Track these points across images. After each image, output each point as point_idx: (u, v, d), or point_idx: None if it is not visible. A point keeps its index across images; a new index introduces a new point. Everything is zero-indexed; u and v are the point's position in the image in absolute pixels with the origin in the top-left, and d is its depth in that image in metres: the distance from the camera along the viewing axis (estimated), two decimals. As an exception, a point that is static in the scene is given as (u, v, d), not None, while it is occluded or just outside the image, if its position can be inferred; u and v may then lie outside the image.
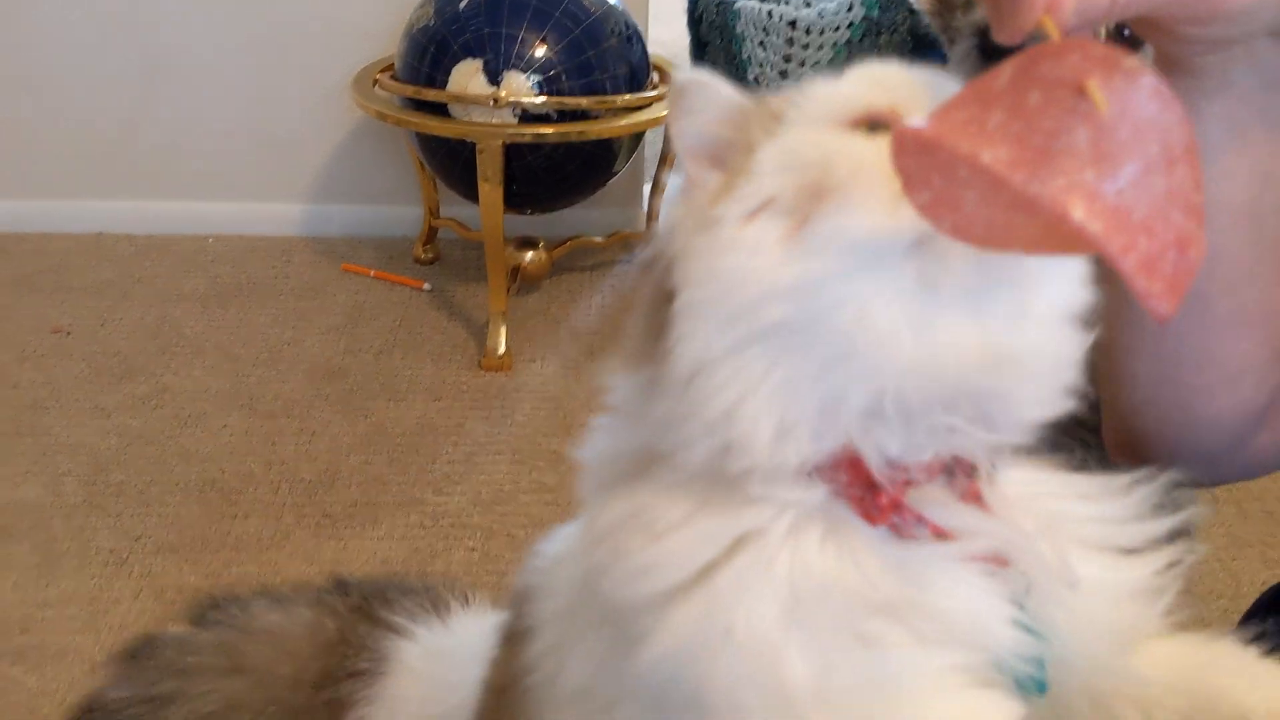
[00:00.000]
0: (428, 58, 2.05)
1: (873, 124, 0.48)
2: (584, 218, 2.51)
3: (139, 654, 0.94)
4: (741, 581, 0.48)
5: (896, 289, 0.45)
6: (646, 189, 2.51)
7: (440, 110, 2.05)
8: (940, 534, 0.49)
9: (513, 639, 0.65)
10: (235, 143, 2.55)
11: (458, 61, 2.01)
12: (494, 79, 1.99)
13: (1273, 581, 1.00)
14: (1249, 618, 1.01)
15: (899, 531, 0.49)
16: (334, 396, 2.03)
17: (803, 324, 0.46)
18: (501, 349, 2.11)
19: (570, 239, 2.40)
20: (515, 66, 2.00)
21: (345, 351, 2.17)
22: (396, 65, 2.15)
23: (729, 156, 0.52)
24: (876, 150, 0.46)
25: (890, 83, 0.51)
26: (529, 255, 2.30)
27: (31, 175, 2.56)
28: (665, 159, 2.36)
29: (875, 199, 0.45)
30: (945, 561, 0.49)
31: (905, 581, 0.48)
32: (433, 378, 2.10)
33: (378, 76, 2.18)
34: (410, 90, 2.07)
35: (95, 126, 2.52)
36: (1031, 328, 0.48)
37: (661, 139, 2.35)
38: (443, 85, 2.03)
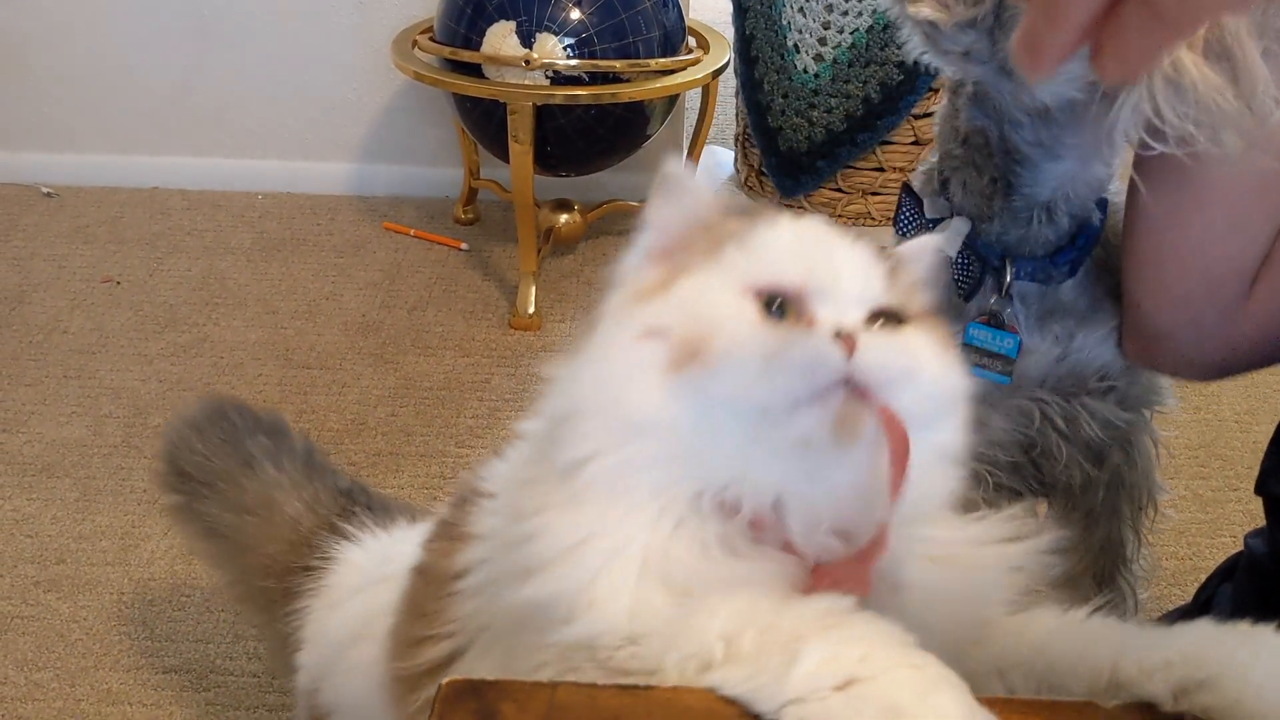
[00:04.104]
0: (464, 19, 2.08)
1: (774, 300, 0.54)
2: (620, 182, 2.53)
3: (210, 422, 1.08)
4: (607, 551, 0.54)
5: (755, 442, 0.52)
6: (684, 155, 2.53)
7: (475, 72, 2.09)
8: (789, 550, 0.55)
9: (450, 535, 0.70)
10: (285, 103, 2.62)
11: (492, 23, 2.05)
12: (527, 41, 2.03)
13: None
14: (1205, 586, 1.03)
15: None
16: (367, 350, 2.09)
17: (664, 453, 0.54)
18: (531, 309, 2.15)
19: (605, 203, 2.43)
20: (548, 29, 2.03)
21: (381, 307, 2.23)
22: (435, 26, 2.19)
23: (675, 260, 0.58)
24: (757, 336, 0.52)
25: (813, 257, 0.56)
26: (563, 218, 2.33)
27: (91, 131, 2.66)
28: (703, 125, 2.38)
29: (739, 378, 0.52)
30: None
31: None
32: (463, 335, 2.15)
33: (416, 38, 2.22)
34: (446, 51, 2.11)
35: (151, 86, 2.61)
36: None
37: (699, 104, 2.37)
38: (478, 47, 2.06)
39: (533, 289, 2.17)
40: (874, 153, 2.44)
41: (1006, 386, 0.90)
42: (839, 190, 2.50)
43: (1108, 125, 0.74)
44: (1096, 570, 1.03)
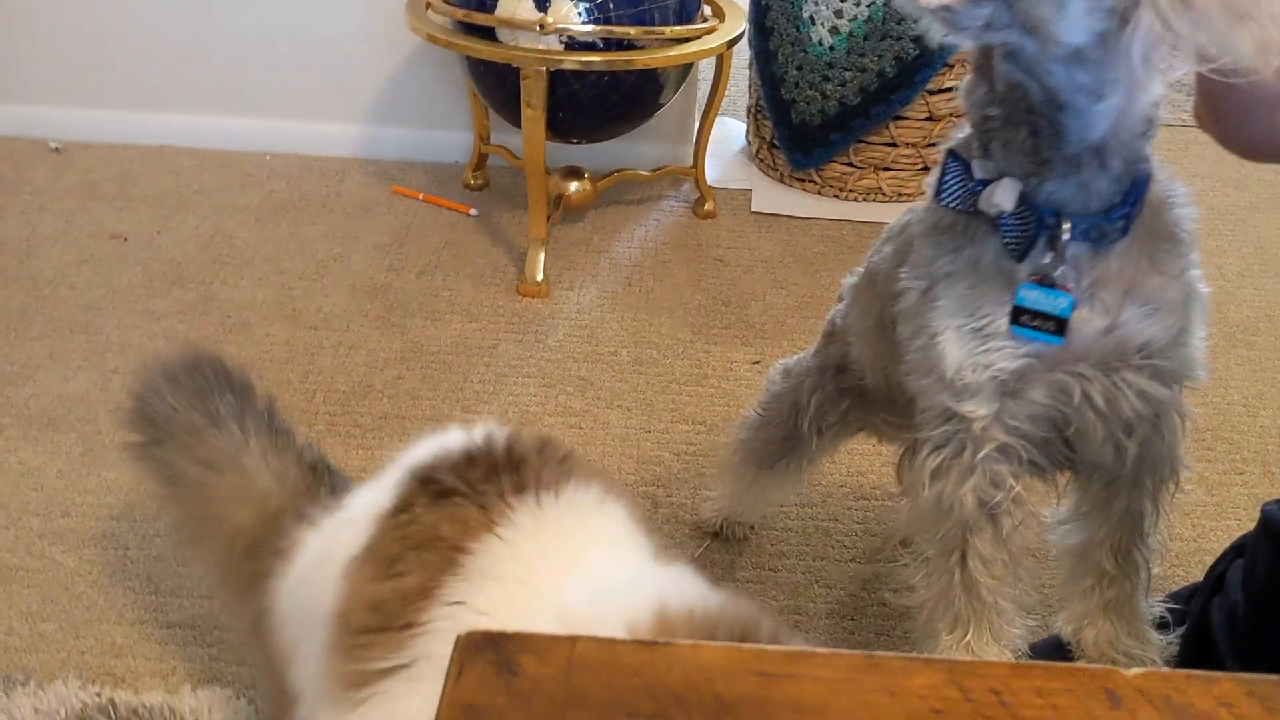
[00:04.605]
0: (479, -18, 2.07)
1: None
2: (632, 151, 2.52)
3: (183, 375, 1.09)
4: None
5: None
6: (696, 126, 2.52)
7: (489, 35, 2.08)
8: None
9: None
10: (296, 63, 2.60)
11: (507, -13, 2.03)
12: (542, 5, 2.01)
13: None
14: (1217, 563, 1.03)
15: None
16: (374, 313, 2.09)
17: None
18: (539, 275, 2.15)
19: (616, 171, 2.42)
20: (564, -6, 2.01)
21: (389, 270, 2.22)
22: (450, -11, 2.18)
23: None
24: None
25: None
26: (574, 185, 2.32)
27: (101, 87, 2.64)
28: (716, 95, 2.36)
29: None
30: None
31: None
32: (471, 300, 2.14)
33: (430, 0, 2.21)
34: (460, 14, 2.09)
35: (163, 42, 2.59)
36: None
37: (713, 75, 2.35)
38: (492, 10, 2.05)
39: (541, 256, 2.16)
40: (887, 127, 2.42)
41: (1048, 361, 0.89)
42: (850, 165, 2.49)
43: (1125, 46, 0.74)
44: (1114, 541, 1.03)
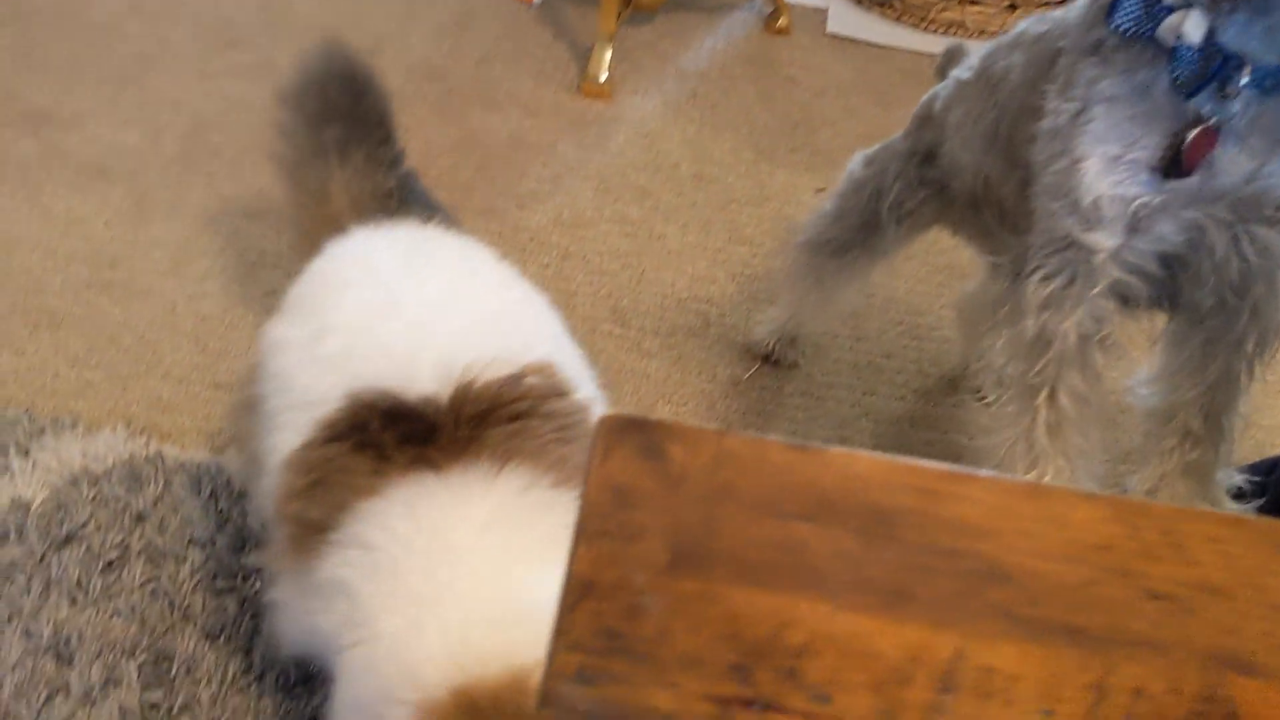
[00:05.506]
0: None
1: None
2: (710, -45, 2.40)
3: None
4: None
5: None
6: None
7: None
8: None
9: None
10: None
11: None
12: None
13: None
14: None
15: None
16: (431, 97, 2.02)
17: None
18: (603, 76, 2.07)
19: (692, -26, 2.31)
20: None
21: (448, 55, 2.14)
22: None
23: None
24: None
25: None
26: (647, -17, 2.22)
27: None
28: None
29: None
30: None
31: None
32: (530, 95, 2.07)
33: None
34: None
35: None
36: None
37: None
38: None
39: (608, 54, 2.08)
40: (981, -41, 2.30)
41: (1184, 197, 0.86)
42: (937, -6, 2.37)
43: None
44: (1205, 402, 1.00)
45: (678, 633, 0.39)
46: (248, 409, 0.96)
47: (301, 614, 0.84)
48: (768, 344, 1.55)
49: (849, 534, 0.43)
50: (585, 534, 0.42)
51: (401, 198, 1.18)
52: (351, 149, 1.18)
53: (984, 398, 1.47)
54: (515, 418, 0.79)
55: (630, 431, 0.46)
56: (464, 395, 0.80)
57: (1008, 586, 0.42)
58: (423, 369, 0.82)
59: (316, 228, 1.13)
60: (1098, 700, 0.39)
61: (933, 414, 1.51)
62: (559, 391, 0.84)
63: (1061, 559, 0.43)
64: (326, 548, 0.78)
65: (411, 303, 0.89)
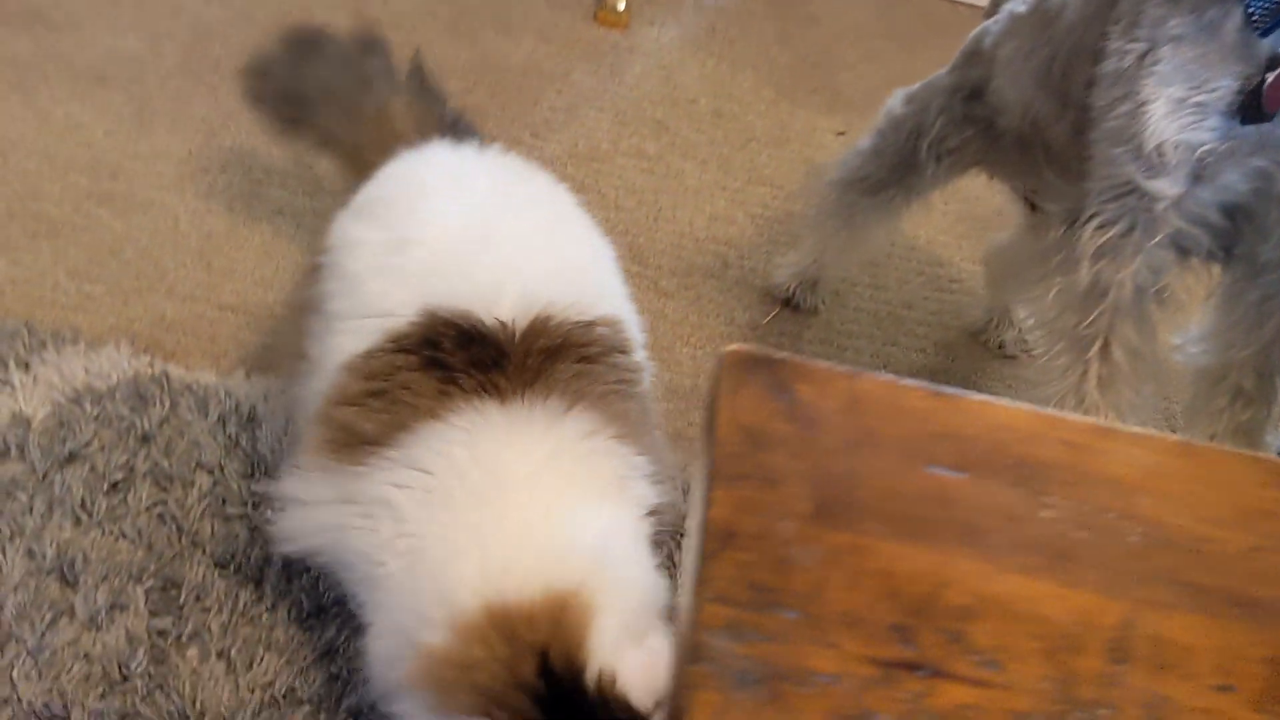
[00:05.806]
0: None
1: None
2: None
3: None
4: None
5: None
6: None
7: None
8: None
9: None
10: None
11: None
12: None
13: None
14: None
15: None
16: (443, 16, 1.95)
17: None
18: (621, 4, 2.01)
19: (713, -96, 2.23)
20: None
21: (460, -26, 2.07)
22: None
23: None
24: None
25: None
26: (667, -89, 2.14)
27: None
28: None
29: None
30: None
31: None
32: (545, 20, 2.00)
33: None
34: None
35: None
36: None
37: None
38: None
39: (626, -18, 2.01)
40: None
41: (1252, 144, 0.82)
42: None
43: None
44: (1259, 362, 0.98)
45: (833, 588, 0.36)
46: (305, 309, 0.92)
47: (328, 519, 0.80)
48: (788, 287, 1.51)
49: (1003, 488, 0.40)
50: (721, 476, 0.38)
51: (460, 129, 1.15)
52: (397, 76, 1.21)
53: (1027, 350, 1.43)
54: (583, 360, 0.77)
55: (758, 368, 0.43)
56: (539, 327, 0.78)
57: (1173, 552, 0.39)
58: (506, 297, 0.81)
59: (378, 151, 1.10)
60: (1276, 675, 0.36)
61: (954, 368, 1.49)
62: (623, 349, 0.83)
63: (1225, 523, 0.40)
64: (376, 461, 0.75)
65: (506, 233, 0.87)
